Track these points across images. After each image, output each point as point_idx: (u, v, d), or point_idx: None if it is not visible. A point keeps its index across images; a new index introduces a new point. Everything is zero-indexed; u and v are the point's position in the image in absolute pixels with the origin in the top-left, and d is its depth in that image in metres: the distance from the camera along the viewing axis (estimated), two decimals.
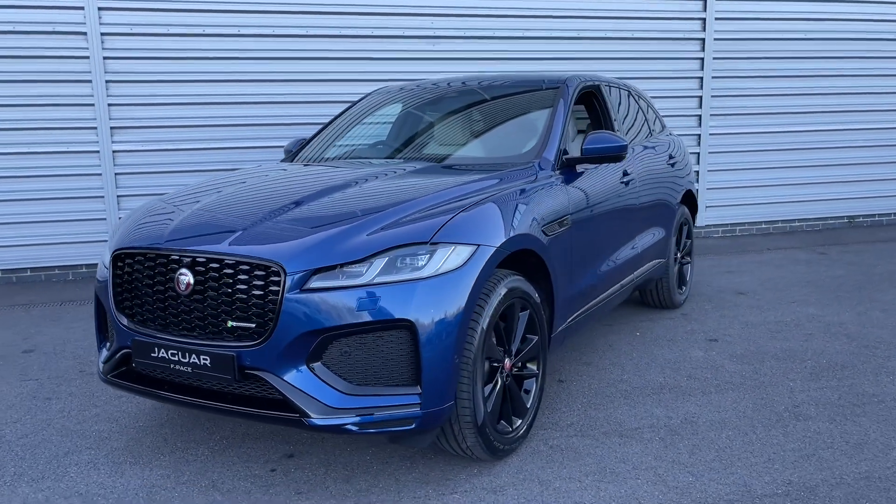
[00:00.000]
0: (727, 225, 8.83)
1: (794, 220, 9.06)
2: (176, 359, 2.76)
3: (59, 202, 6.79)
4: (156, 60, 6.86)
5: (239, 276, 2.67)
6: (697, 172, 8.54)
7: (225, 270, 2.69)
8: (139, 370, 2.93)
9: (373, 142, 4.37)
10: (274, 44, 7.10)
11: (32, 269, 6.86)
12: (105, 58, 6.72)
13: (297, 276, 2.59)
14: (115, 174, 6.88)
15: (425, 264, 2.68)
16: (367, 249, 2.65)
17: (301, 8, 7.10)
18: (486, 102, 4.37)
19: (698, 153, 8.51)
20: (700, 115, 8.44)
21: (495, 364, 3.01)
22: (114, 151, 6.85)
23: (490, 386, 2.97)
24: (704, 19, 8.25)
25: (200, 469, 3.06)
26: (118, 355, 3.01)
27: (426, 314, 2.62)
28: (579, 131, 4.56)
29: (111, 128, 6.82)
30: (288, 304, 2.58)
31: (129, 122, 6.88)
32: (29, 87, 6.57)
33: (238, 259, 2.68)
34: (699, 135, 8.48)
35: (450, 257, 2.72)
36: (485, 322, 2.82)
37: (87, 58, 6.67)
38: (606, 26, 7.98)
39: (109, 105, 6.80)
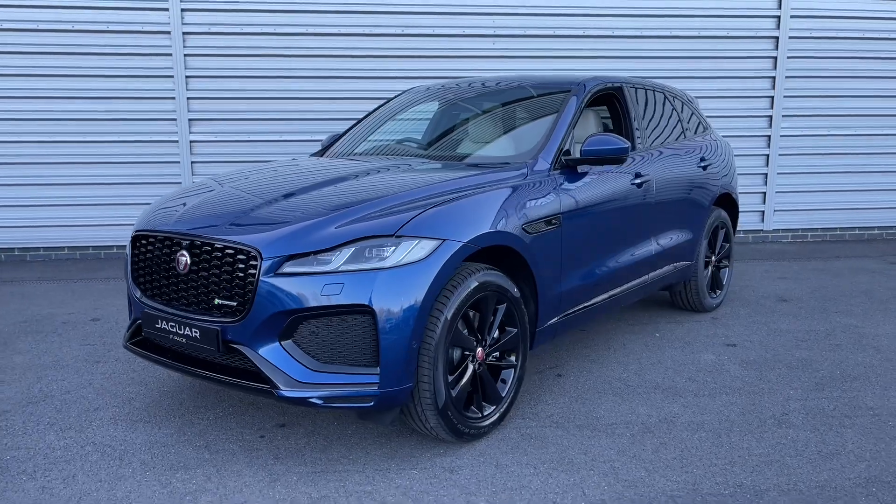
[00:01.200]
0: (797, 230, 8.53)
1: (872, 228, 8.65)
2: (174, 330, 3.11)
3: (141, 187, 7.43)
4: (231, 57, 7.38)
5: (225, 259, 2.98)
6: (766, 175, 8.31)
7: (215, 253, 3.01)
8: (149, 339, 3.31)
9: (392, 138, 4.61)
10: (340, 42, 7.48)
11: (118, 246, 7.55)
12: (186, 55, 7.30)
13: (272, 261, 2.87)
14: (192, 162, 7.46)
15: (388, 255, 2.90)
16: (335, 240, 2.90)
17: (366, 8, 7.44)
18: (504, 103, 4.54)
19: (767, 155, 8.27)
20: (771, 116, 8.19)
21: (467, 352, 3.20)
22: (191, 141, 7.43)
23: (458, 372, 3.16)
24: (779, 17, 8.00)
25: (201, 431, 3.41)
26: (134, 325, 3.41)
27: (385, 301, 2.84)
28: (608, 131, 4.65)
29: (189, 119, 7.40)
30: (263, 285, 2.86)
31: (205, 114, 7.45)
32: (118, 82, 7.24)
33: (225, 244, 2.99)
34: (769, 136, 8.23)
35: (413, 250, 2.93)
36: (449, 312, 3.01)
37: (170, 55, 7.27)
38: (672, 24, 7.89)
39: (188, 98, 7.38)
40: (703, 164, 5.13)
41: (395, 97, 5.01)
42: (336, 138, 4.84)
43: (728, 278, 5.67)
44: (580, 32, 7.76)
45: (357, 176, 3.59)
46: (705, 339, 4.79)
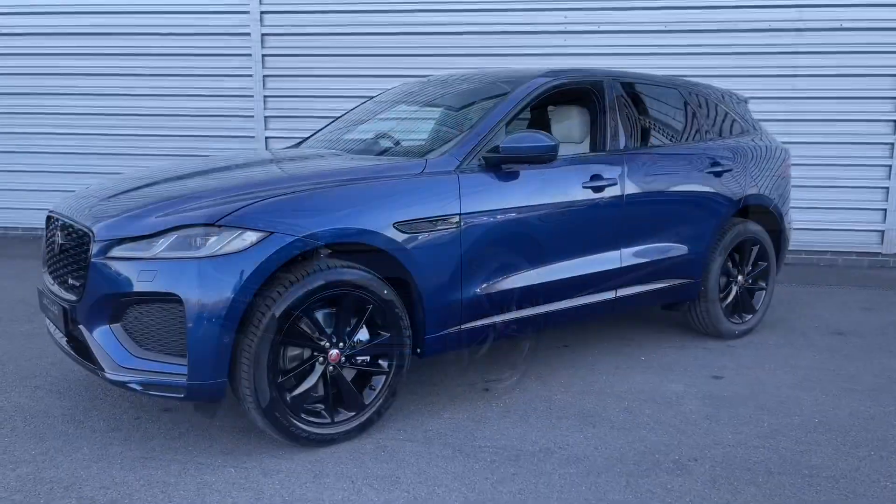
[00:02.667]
0: None
1: None
2: (49, 306, 3.29)
3: None
4: (307, 58, 7.66)
5: (74, 239, 3.09)
6: (887, 189, 7.11)
7: (70, 233, 3.14)
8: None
9: (345, 134, 4.48)
10: (408, 41, 7.49)
11: None
12: (264, 55, 7.69)
13: (102, 244, 2.92)
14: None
15: (205, 245, 2.84)
16: (158, 226, 2.89)
17: (433, 6, 7.39)
18: (455, 98, 4.28)
19: (889, 166, 7.08)
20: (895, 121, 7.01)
21: (315, 353, 3.06)
22: (266, 138, 7.81)
23: (299, 373, 3.03)
24: None
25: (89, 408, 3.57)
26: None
27: (195, 292, 2.79)
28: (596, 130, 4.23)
29: (265, 117, 7.78)
30: (94, 267, 2.92)
31: (281, 112, 7.79)
32: (201, 81, 7.79)
33: (72, 223, 3.11)
34: (893, 144, 7.04)
35: (232, 241, 2.84)
36: (279, 309, 2.89)
37: (250, 55, 7.69)
38: (770, 16, 7.01)
39: (265, 97, 7.76)
40: (715, 170, 4.49)
41: (376, 95, 4.91)
42: (312, 134, 4.83)
43: (764, 302, 4.92)
44: (661, 27, 7.13)
45: (238, 167, 3.59)
46: (691, 368, 4.19)
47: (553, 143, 3.48)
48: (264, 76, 7.72)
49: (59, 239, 3.23)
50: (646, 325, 5.04)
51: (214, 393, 2.87)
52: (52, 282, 3.30)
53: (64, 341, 3.17)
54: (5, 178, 8.23)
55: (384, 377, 3.25)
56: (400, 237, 3.19)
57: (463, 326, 3.49)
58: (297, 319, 2.96)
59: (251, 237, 2.87)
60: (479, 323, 3.55)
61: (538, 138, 3.48)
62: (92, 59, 7.94)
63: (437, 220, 3.31)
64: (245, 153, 4.32)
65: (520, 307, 3.68)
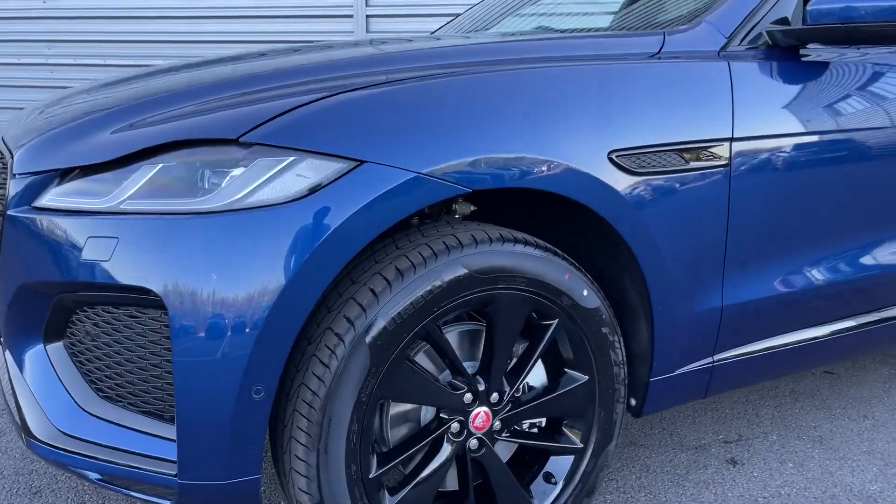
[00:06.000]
0: None
1: None
2: None
3: None
4: None
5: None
6: None
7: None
8: None
9: (496, 21, 2.84)
10: None
11: None
12: None
13: (28, 181, 1.43)
14: None
15: (218, 186, 1.29)
16: (124, 147, 1.36)
17: None
18: None
19: None
20: None
21: (444, 416, 1.49)
22: None
23: (412, 454, 1.48)
24: None
25: None
26: None
27: (190, 284, 1.26)
28: None
29: (367, 16, 6.29)
30: (10, 226, 1.45)
31: (388, 9, 6.23)
32: None
33: (2, 146, 1.64)
34: None
35: (277, 178, 1.28)
36: (376, 326, 1.33)
37: None
38: None
39: (368, 16, 6.23)
40: None
41: None
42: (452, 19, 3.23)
43: None
44: None
45: (295, 52, 2.01)
46: None
47: None
48: None
49: None
50: None
51: (234, 500, 1.35)
52: None
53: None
54: None
55: (574, 459, 1.65)
56: (620, 181, 1.54)
57: (717, 358, 1.83)
58: (407, 347, 1.40)
59: (320, 170, 1.29)
60: (745, 350, 1.87)
61: None
62: None
63: (689, 150, 1.64)
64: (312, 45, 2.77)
65: (823, 321, 1.97)
